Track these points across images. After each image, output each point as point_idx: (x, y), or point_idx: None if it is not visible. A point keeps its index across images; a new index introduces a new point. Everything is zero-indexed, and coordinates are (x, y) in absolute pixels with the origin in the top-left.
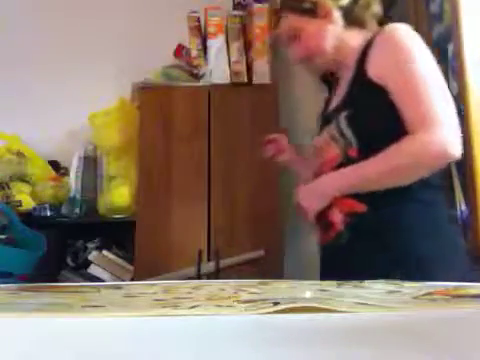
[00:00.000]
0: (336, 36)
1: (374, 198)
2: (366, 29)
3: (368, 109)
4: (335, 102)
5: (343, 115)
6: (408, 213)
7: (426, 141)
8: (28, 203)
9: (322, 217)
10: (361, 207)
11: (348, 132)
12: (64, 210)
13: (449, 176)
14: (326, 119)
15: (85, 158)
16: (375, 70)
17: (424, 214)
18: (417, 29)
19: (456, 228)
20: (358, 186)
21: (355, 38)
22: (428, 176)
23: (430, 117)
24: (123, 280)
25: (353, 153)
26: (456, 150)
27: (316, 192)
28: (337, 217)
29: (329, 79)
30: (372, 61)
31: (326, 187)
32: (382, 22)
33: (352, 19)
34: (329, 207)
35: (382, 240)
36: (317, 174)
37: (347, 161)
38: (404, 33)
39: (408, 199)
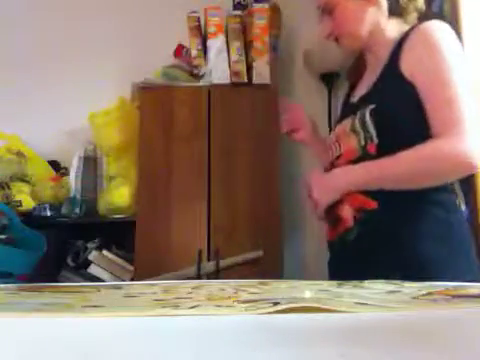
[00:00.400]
0: (375, 22)
1: (386, 196)
2: (405, 22)
3: (395, 105)
4: (361, 91)
5: (369, 108)
6: (421, 214)
7: (450, 149)
8: (28, 203)
9: (332, 211)
10: (373, 204)
11: (371, 126)
12: (64, 210)
13: None
14: (349, 108)
15: (85, 158)
16: (408, 66)
17: (437, 216)
18: None
19: (468, 230)
20: (373, 184)
21: (393, 29)
22: None
23: (457, 124)
24: (123, 280)
25: (372, 149)
26: (475, 165)
27: (329, 185)
28: (347, 212)
29: (328, 79)
30: (406, 56)
31: (339, 181)
32: (422, 17)
33: (396, 8)
34: (340, 201)
35: (392, 239)
36: (332, 165)
37: (364, 156)
38: (442, 33)
39: (422, 200)
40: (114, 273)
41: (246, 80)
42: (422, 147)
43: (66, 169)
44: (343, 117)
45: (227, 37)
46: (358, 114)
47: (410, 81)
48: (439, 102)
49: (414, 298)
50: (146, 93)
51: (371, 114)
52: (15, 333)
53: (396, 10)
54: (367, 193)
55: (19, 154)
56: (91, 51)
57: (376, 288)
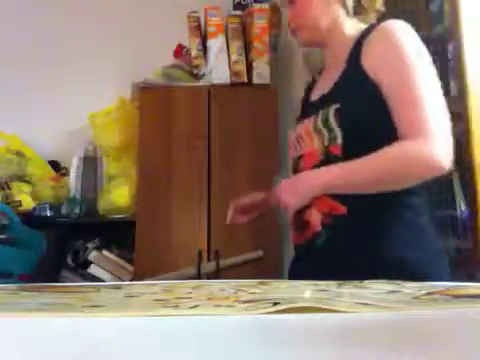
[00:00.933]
0: (334, 17)
1: (355, 200)
2: (364, 21)
3: (360, 105)
4: (321, 90)
5: (333, 107)
6: (391, 218)
7: (416, 151)
8: (28, 203)
9: (299, 216)
10: (341, 209)
11: (335, 126)
12: (64, 210)
13: (449, 177)
14: (310, 107)
15: (85, 158)
16: (370, 65)
17: (407, 220)
18: (417, 29)
19: (437, 234)
20: (341, 187)
21: (353, 27)
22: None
23: (423, 126)
24: (123, 280)
25: (336, 150)
26: (446, 164)
27: (296, 189)
28: (315, 217)
29: None
30: (367, 54)
31: (307, 185)
32: (380, 18)
33: (357, 7)
34: (307, 206)
35: (362, 244)
36: (296, 169)
37: (328, 158)
38: (403, 31)
39: (392, 203)
40: (114, 273)
41: (246, 80)
42: (389, 149)
43: (66, 169)
44: (304, 116)
45: (227, 37)
46: (321, 113)
47: (374, 80)
48: (404, 103)
49: (414, 298)
50: (146, 93)
51: (335, 114)
52: (15, 333)
53: (356, 9)
54: (336, 197)
55: (19, 154)
56: (91, 51)
57: (376, 288)
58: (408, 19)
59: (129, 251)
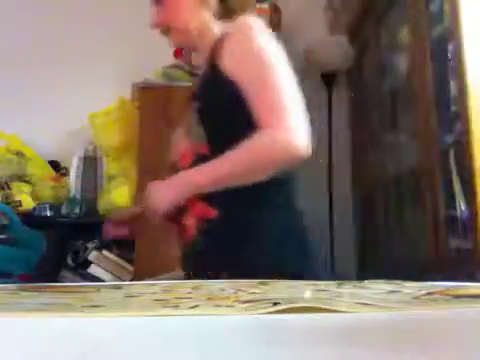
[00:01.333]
0: (203, 20)
1: (225, 202)
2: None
3: (219, 104)
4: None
5: (196, 107)
6: (260, 218)
7: (273, 139)
8: (28, 203)
9: (177, 219)
10: (212, 213)
11: (200, 126)
12: (64, 210)
13: (449, 176)
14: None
15: (85, 158)
16: (227, 64)
17: (277, 219)
18: (417, 29)
19: (310, 233)
20: (210, 185)
21: (218, 28)
22: (281, 178)
23: (279, 116)
24: (123, 280)
25: (204, 150)
26: (303, 149)
27: (166, 191)
28: (190, 222)
29: (328, 79)
30: (224, 54)
31: (175, 186)
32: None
33: (226, 10)
34: (184, 210)
35: (231, 247)
36: (174, 171)
37: (198, 158)
38: (260, 28)
39: (260, 203)
40: (114, 273)
41: None
42: (247, 141)
43: (66, 169)
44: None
45: None
46: (189, 114)
47: (231, 78)
48: (260, 97)
49: (414, 298)
50: (146, 93)
51: (197, 114)
52: (15, 333)
53: (224, 12)
54: (206, 201)
55: (19, 154)
56: (91, 51)
57: (376, 288)
58: (408, 20)
59: (129, 251)
